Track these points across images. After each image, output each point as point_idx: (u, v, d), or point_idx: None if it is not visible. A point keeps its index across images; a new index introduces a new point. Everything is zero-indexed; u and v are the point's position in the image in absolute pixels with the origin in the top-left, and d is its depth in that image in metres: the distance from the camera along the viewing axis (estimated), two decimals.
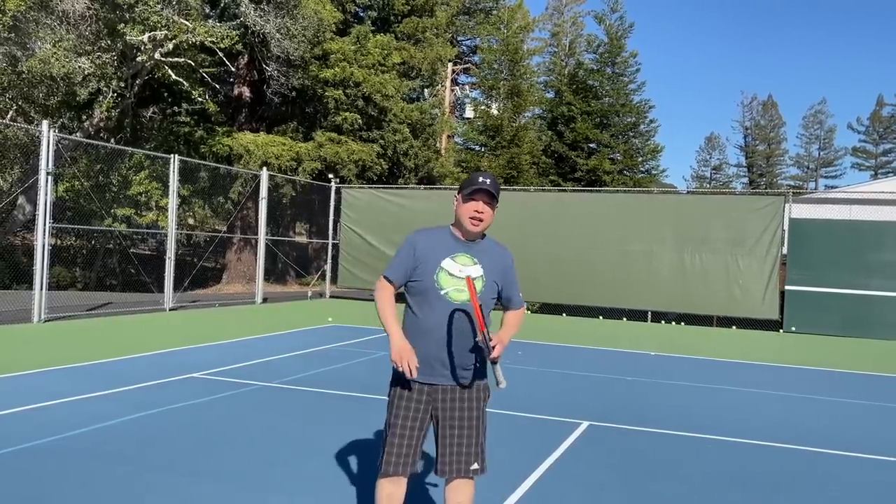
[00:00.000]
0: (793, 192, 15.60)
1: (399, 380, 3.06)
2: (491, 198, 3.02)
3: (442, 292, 2.99)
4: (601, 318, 15.79)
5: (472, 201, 3.01)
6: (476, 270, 3.05)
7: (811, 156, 65.64)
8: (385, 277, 3.09)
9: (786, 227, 14.45)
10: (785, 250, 14.51)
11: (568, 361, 9.50)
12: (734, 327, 14.92)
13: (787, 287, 14.36)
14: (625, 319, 15.62)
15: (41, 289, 10.95)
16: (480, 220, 3.02)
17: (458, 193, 3.09)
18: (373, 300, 3.18)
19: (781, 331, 14.34)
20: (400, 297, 3.04)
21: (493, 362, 2.94)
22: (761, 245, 14.43)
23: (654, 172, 30.54)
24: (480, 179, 3.01)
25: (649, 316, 15.53)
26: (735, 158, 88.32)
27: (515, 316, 3.25)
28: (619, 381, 8.23)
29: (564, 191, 20.84)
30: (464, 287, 2.99)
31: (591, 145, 28.91)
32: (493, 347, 2.89)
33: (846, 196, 22.37)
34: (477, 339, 2.96)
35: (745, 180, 65.21)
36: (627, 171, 28.90)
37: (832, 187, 54.14)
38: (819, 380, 8.99)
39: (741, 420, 6.51)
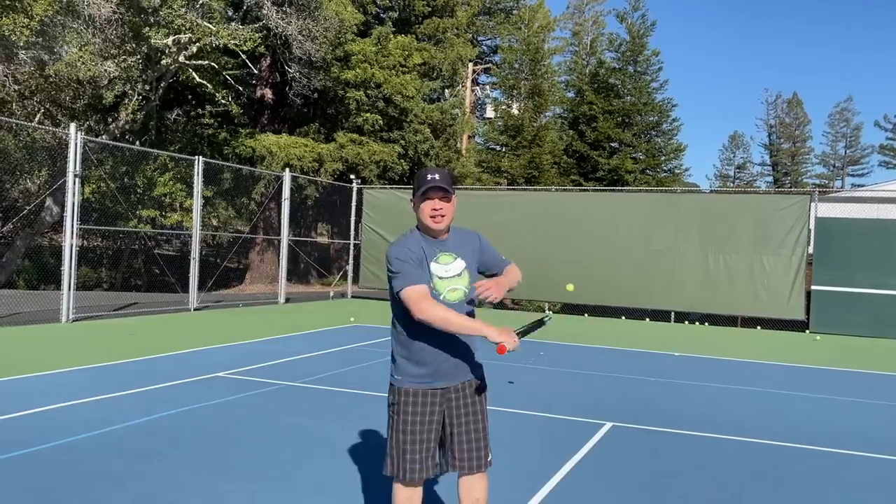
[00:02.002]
0: (819, 191, 15.38)
1: (407, 389, 3.03)
2: (445, 192, 2.97)
3: (441, 297, 2.99)
4: (624, 318, 15.69)
5: (428, 200, 2.97)
6: (459, 265, 3.06)
7: (837, 154, 64.77)
8: (415, 286, 2.88)
9: (812, 227, 14.26)
10: (811, 250, 14.32)
11: (590, 362, 9.45)
12: (759, 328, 14.75)
13: (813, 287, 14.17)
14: (647, 320, 15.51)
15: (69, 289, 11.12)
16: (442, 216, 2.99)
17: (413, 196, 3.04)
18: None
19: (808, 331, 14.15)
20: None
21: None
22: (787, 245, 14.25)
23: (676, 171, 30.33)
24: (429, 177, 2.96)
25: (672, 316, 15.41)
26: (759, 157, 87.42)
27: (511, 268, 3.26)
28: (642, 381, 8.18)
29: (586, 190, 20.75)
30: (456, 286, 3.02)
31: (613, 145, 28.78)
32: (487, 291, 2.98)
33: (874, 195, 22.04)
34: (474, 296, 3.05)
35: (770, 179, 64.52)
36: (650, 170, 28.73)
37: (859, 186, 53.37)
38: (847, 381, 8.86)
39: (767, 421, 6.44)
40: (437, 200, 2.97)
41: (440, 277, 3.01)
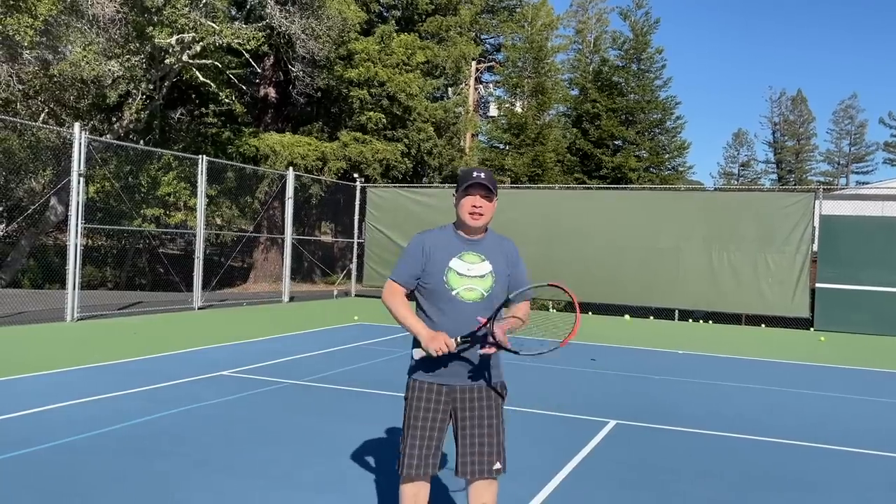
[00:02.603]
0: (823, 189, 15.34)
1: (417, 383, 3.03)
2: (487, 191, 2.99)
3: (453, 293, 2.97)
4: (628, 316, 15.67)
5: (469, 196, 2.99)
6: (484, 267, 3.03)
7: (842, 151, 64.58)
8: (393, 281, 3.07)
9: (816, 224, 14.22)
10: (815, 247, 14.29)
11: (594, 360, 9.44)
12: (763, 325, 14.72)
13: (818, 285, 14.14)
14: (652, 318, 15.50)
15: (74, 288, 11.15)
16: (480, 214, 3.00)
17: (455, 192, 3.07)
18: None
19: (812, 329, 14.12)
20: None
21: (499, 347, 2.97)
22: (791, 242, 14.22)
23: (680, 169, 30.26)
24: (475, 174, 3.00)
25: (676, 314, 15.39)
26: (763, 155, 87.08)
27: (523, 310, 3.20)
28: (646, 379, 8.17)
29: (590, 188, 20.72)
30: (475, 286, 2.99)
31: (617, 142, 28.72)
32: (495, 335, 2.89)
33: (878, 192, 21.97)
34: (479, 332, 2.92)
35: (774, 177, 64.36)
36: (653, 168, 28.67)
37: (864, 183, 53.18)
38: (852, 379, 8.84)
39: (772, 419, 6.43)
40: (478, 197, 2.99)
41: (459, 274, 2.99)
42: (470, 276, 3.00)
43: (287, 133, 21.23)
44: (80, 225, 11.21)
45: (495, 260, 3.07)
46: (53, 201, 16.27)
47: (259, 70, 20.89)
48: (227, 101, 18.41)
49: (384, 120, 21.44)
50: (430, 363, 2.99)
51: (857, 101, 73.23)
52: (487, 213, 3.01)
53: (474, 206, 2.98)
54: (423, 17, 25.09)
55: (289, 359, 8.55)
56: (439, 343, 2.85)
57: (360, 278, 18.58)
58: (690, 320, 15.40)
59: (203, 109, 21.05)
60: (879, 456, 5.38)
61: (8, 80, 14.39)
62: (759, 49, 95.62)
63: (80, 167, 11.19)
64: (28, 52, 14.17)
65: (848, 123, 64.03)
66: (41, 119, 16.67)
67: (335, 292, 18.54)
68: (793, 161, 63.61)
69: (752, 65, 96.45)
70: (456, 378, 3.01)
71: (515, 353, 2.97)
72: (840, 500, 4.37)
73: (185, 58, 16.23)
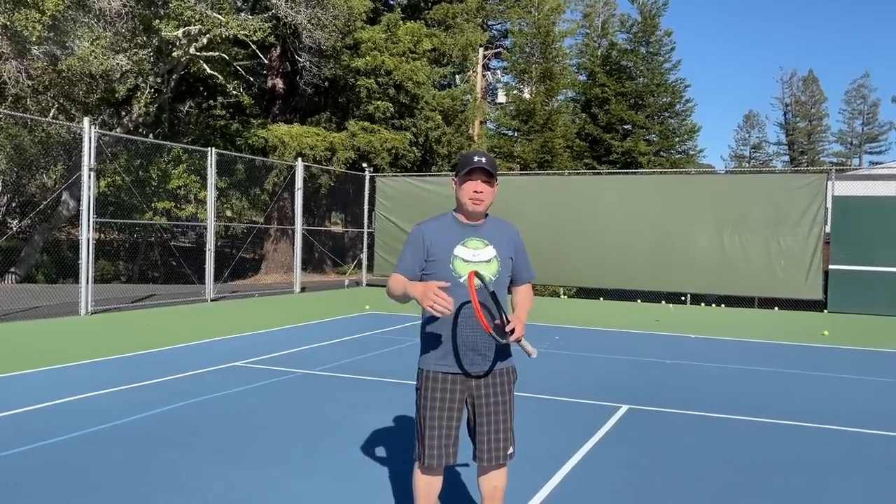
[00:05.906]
0: (836, 169, 15.19)
1: (429, 373, 3.02)
2: (488, 176, 2.96)
3: (462, 280, 2.96)
4: (639, 301, 15.63)
5: (470, 181, 2.97)
6: (489, 252, 3.02)
7: (854, 131, 63.96)
8: (396, 276, 3.02)
9: (829, 205, 14.10)
10: (828, 229, 14.17)
11: (606, 345, 9.44)
12: (776, 308, 14.65)
13: (831, 266, 14.04)
14: (663, 302, 15.45)
15: (87, 282, 11.24)
16: (481, 200, 2.97)
17: (455, 176, 3.05)
18: None
19: (826, 311, 14.04)
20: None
21: (518, 342, 2.94)
22: (803, 224, 14.11)
23: (691, 153, 30.04)
24: (475, 158, 2.96)
25: (688, 298, 15.33)
26: (775, 136, 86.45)
27: (525, 293, 3.20)
28: (658, 364, 8.15)
29: (599, 174, 20.63)
30: (482, 272, 2.98)
31: (626, 127, 28.54)
32: (512, 331, 2.84)
33: (892, 172, 21.76)
34: (491, 332, 2.85)
35: (786, 158, 63.84)
36: (664, 152, 28.49)
37: (877, 163, 52.64)
38: (867, 360, 8.79)
39: (786, 402, 6.41)
40: (479, 182, 2.96)
41: (464, 260, 2.98)
42: (476, 261, 2.99)
43: (295, 124, 21.22)
44: (91, 219, 11.28)
45: (498, 243, 3.06)
46: (65, 196, 16.37)
47: (266, 61, 20.88)
48: (234, 92, 18.43)
49: (392, 109, 21.38)
50: (440, 351, 2.99)
51: (870, 80, 72.49)
52: (488, 198, 2.99)
53: (475, 192, 2.96)
54: (430, 4, 24.94)
55: (301, 349, 8.59)
56: (434, 300, 2.69)
57: (370, 268, 18.61)
58: (703, 304, 15.34)
59: (211, 102, 21.08)
60: (894, 437, 5.35)
61: (17, 75, 14.45)
62: (769, 29, 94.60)
63: (90, 162, 11.25)
64: (36, 47, 14.21)
65: (860, 103, 63.41)
66: (51, 114, 16.74)
67: (346, 282, 18.59)
68: (805, 142, 63.05)
69: (762, 46, 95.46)
70: (471, 365, 3.01)
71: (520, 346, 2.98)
72: (854, 482, 4.36)
73: (192, 50, 16.23)
